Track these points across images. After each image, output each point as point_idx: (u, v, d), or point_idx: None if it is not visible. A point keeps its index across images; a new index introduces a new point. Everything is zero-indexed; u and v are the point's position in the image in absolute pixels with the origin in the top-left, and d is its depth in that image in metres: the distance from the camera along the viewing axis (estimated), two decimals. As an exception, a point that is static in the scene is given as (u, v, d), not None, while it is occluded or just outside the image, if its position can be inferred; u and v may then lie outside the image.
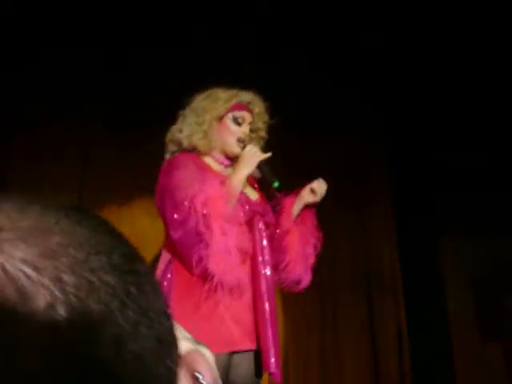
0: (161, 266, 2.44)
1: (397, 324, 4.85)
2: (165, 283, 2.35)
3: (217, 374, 0.61)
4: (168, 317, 0.47)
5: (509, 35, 4.11)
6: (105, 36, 4.18)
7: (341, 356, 4.56)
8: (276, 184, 2.39)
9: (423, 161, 4.93)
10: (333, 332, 4.61)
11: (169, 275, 2.38)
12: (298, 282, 2.57)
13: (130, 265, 0.44)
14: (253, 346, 2.39)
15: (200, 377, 0.57)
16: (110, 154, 4.34)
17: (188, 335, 0.63)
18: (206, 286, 2.26)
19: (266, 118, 2.62)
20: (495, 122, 4.80)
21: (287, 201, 2.62)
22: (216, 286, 2.23)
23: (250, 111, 2.56)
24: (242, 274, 2.32)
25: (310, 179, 2.61)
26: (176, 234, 2.26)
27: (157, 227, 4.28)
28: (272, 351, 2.30)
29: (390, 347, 4.79)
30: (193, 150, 2.51)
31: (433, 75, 4.58)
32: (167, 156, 2.56)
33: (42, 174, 4.22)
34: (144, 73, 4.28)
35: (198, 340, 0.65)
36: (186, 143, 2.49)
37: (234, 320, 2.32)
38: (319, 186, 2.54)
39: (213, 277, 2.21)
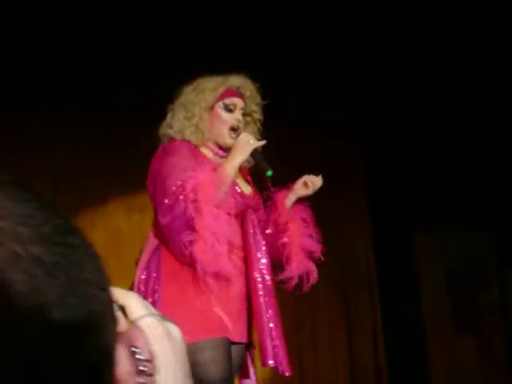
0: (147, 251, 2.40)
1: (372, 320, 4.89)
2: (153, 269, 2.32)
3: (165, 351, 0.59)
4: (105, 290, 0.48)
5: (484, 27, 4.15)
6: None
7: (318, 354, 4.59)
8: (269, 173, 2.34)
9: (397, 158, 4.98)
10: (309, 330, 4.64)
11: (156, 261, 2.34)
12: (307, 279, 2.49)
13: (62, 237, 0.45)
14: (243, 339, 2.36)
15: (137, 351, 0.56)
16: (87, 153, 4.29)
17: (154, 311, 0.63)
18: (193, 273, 2.23)
19: (258, 99, 2.55)
20: (467, 121, 4.86)
21: (280, 195, 2.56)
22: (199, 272, 2.19)
23: (241, 96, 2.49)
24: (229, 264, 2.25)
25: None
26: (164, 219, 2.22)
27: (131, 223, 4.30)
28: (269, 344, 2.27)
29: (365, 343, 4.84)
30: (188, 142, 2.46)
31: (408, 73, 4.61)
32: (164, 138, 2.52)
33: (13, 171, 4.15)
34: (106, 74, 4.23)
35: (166, 317, 0.63)
36: (178, 138, 2.44)
37: (223, 309, 2.29)
38: (314, 180, 2.49)
39: (196, 264, 2.18)
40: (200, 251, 2.14)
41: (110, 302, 0.51)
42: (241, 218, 2.43)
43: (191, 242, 2.15)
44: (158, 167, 2.34)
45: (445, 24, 4.17)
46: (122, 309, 0.60)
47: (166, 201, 2.21)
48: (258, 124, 2.59)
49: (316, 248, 2.52)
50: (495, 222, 5.19)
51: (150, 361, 0.57)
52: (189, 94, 2.47)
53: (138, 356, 0.56)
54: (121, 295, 0.61)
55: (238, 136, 2.40)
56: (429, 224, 5.04)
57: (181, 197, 2.17)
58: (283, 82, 4.29)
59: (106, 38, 4.08)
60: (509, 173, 4.89)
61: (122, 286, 0.62)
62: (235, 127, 2.44)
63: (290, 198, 2.53)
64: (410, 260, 5.13)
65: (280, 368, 2.31)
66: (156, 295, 2.28)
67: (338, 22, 4.16)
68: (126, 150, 4.33)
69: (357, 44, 4.35)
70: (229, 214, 2.28)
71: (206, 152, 2.47)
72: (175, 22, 4.05)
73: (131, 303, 0.61)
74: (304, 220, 2.56)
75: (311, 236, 2.53)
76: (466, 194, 4.85)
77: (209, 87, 2.45)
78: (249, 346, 2.43)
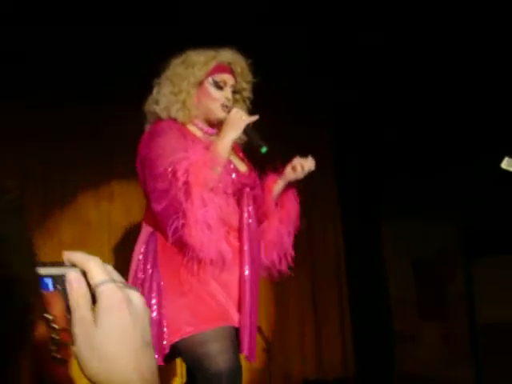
0: (141, 239, 2.30)
1: (340, 308, 4.94)
2: (149, 258, 2.23)
3: (123, 318, 0.60)
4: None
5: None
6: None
7: (286, 342, 4.62)
8: (264, 149, 2.21)
9: (364, 151, 5.01)
10: (278, 318, 4.66)
11: (153, 249, 2.25)
12: (272, 269, 2.47)
13: None
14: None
15: (49, 318, 0.58)
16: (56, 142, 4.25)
17: (116, 277, 0.63)
18: (186, 259, 2.15)
19: (249, 77, 2.41)
20: (431, 111, 4.91)
21: (269, 179, 2.46)
22: (193, 259, 2.12)
23: (232, 72, 2.35)
24: (224, 247, 2.16)
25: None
26: (158, 206, 2.12)
27: (100, 212, 4.27)
28: (247, 333, 2.19)
29: (333, 331, 4.88)
30: (174, 120, 2.32)
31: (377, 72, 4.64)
32: (147, 127, 2.38)
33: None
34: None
35: (129, 285, 0.64)
36: (164, 115, 2.30)
37: (226, 295, 2.22)
38: (303, 163, 2.38)
39: (189, 249, 2.10)
40: (190, 236, 2.07)
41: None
42: (238, 197, 2.32)
43: (180, 227, 2.07)
44: (146, 151, 2.22)
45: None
46: (84, 273, 0.61)
47: (158, 186, 2.12)
48: (248, 102, 2.47)
49: (289, 244, 2.48)
50: (462, 212, 5.27)
51: (65, 330, 0.58)
52: (177, 67, 2.33)
53: (52, 325, 0.57)
54: (82, 260, 0.62)
55: (229, 112, 2.28)
56: (395, 214, 5.09)
57: (173, 180, 2.09)
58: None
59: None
60: (475, 162, 4.97)
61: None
62: (225, 105, 2.32)
63: (278, 183, 2.44)
64: (377, 250, 5.19)
65: (248, 354, 2.24)
66: (154, 284, 2.20)
67: (309, 5, 4.10)
68: (95, 139, 4.30)
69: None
70: (226, 193, 2.19)
71: (195, 130, 2.35)
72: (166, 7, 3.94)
73: (92, 269, 0.61)
74: (288, 210, 2.48)
75: (288, 230, 2.48)
76: (432, 183, 4.90)
77: (199, 61, 2.31)
78: None
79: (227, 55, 2.35)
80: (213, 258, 2.12)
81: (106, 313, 0.59)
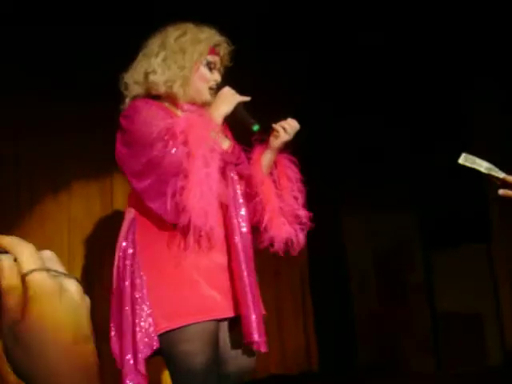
0: (124, 226, 2.12)
1: (303, 299, 4.97)
2: (129, 246, 2.06)
3: (53, 307, 0.56)
4: None
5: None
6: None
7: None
8: (256, 127, 2.12)
9: (324, 145, 5.03)
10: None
11: (131, 236, 2.08)
12: (291, 244, 2.26)
13: None
14: (232, 313, 2.11)
15: None
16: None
17: (53, 265, 0.59)
18: (177, 239, 1.99)
19: (227, 61, 2.28)
20: (388, 105, 4.97)
21: (256, 151, 2.30)
22: (187, 230, 1.93)
23: (219, 55, 2.24)
24: (218, 223, 2.01)
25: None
26: (153, 175, 1.95)
27: (58, 203, 4.20)
28: (253, 318, 2.01)
29: (295, 323, 4.91)
30: (155, 96, 2.16)
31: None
32: (126, 101, 2.18)
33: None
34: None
35: (67, 273, 0.60)
36: (162, 89, 2.13)
37: (209, 284, 2.04)
38: (284, 125, 2.21)
39: (186, 216, 1.91)
40: (190, 198, 1.90)
41: None
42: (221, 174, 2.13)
43: (180, 190, 1.91)
44: (130, 126, 2.03)
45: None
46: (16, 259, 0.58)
47: (153, 152, 1.94)
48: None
49: (300, 211, 2.28)
50: (420, 203, 5.35)
51: None
52: (180, 39, 2.15)
53: None
54: (14, 245, 0.58)
55: (214, 94, 2.16)
56: (356, 206, 5.14)
57: (170, 142, 1.93)
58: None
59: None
60: (432, 153, 5.05)
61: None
62: (212, 88, 2.20)
63: (265, 154, 2.28)
64: (339, 241, 5.23)
65: (261, 344, 2.06)
66: (137, 273, 2.03)
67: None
68: (52, 129, 4.22)
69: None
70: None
71: (173, 108, 2.18)
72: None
73: (23, 256, 0.58)
74: (286, 177, 2.30)
75: (295, 198, 2.29)
76: (392, 175, 4.96)
77: (203, 39, 2.17)
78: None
79: (217, 37, 2.22)
80: (212, 226, 1.95)
81: (32, 303, 0.56)
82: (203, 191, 1.91)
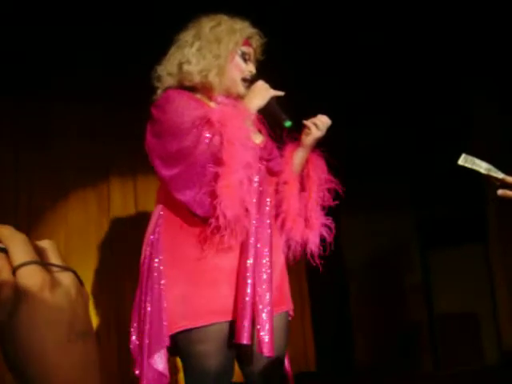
0: (151, 222, 2.07)
1: (301, 301, 4.98)
2: (156, 241, 2.01)
3: (44, 303, 0.52)
4: None
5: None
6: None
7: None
8: (288, 123, 2.06)
9: (324, 143, 5.04)
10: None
11: (158, 230, 2.03)
12: (305, 246, 2.20)
13: None
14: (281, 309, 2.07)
15: None
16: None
17: (49, 258, 0.56)
18: (201, 236, 1.92)
19: (259, 54, 2.23)
20: (385, 109, 4.98)
21: (288, 148, 2.24)
22: (215, 222, 1.85)
23: (252, 47, 2.19)
24: (245, 218, 1.92)
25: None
26: (179, 166, 1.89)
27: (89, 219, 4.22)
28: (247, 320, 1.90)
29: (293, 323, 4.91)
30: (188, 88, 2.10)
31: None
32: (158, 92, 2.13)
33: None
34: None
35: (64, 266, 0.56)
36: (197, 78, 2.07)
37: (230, 284, 1.97)
38: (316, 121, 2.16)
39: (217, 205, 1.83)
40: (224, 187, 1.83)
41: None
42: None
43: (216, 177, 1.83)
44: (162, 117, 1.98)
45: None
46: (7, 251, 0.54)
47: (186, 142, 1.88)
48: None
49: (319, 214, 2.21)
50: (418, 204, 5.37)
51: None
52: (215, 29, 2.11)
53: None
54: (6, 236, 0.55)
55: (248, 87, 2.11)
56: (353, 206, 5.15)
57: (204, 131, 1.87)
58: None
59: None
60: (431, 154, 5.07)
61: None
62: (246, 80, 2.14)
63: (297, 151, 2.23)
64: (336, 241, 5.23)
65: (259, 345, 1.94)
66: (159, 269, 1.98)
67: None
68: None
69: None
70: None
71: (205, 100, 2.12)
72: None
73: (15, 248, 0.54)
74: (316, 177, 2.24)
75: (320, 199, 2.22)
76: (389, 176, 4.98)
77: (237, 29, 2.13)
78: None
79: (250, 29, 2.18)
80: (240, 215, 1.87)
81: (22, 298, 0.52)
82: (241, 179, 1.85)
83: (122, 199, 4.31)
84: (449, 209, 5.21)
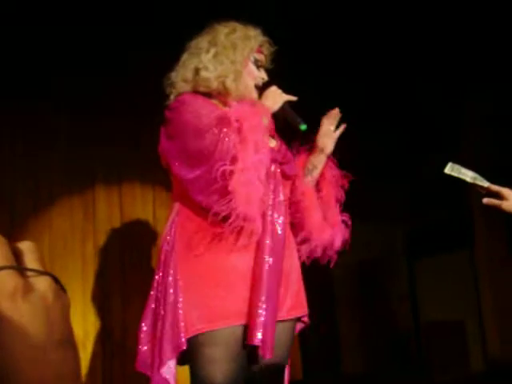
0: (168, 222, 2.04)
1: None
2: (171, 241, 1.98)
3: (16, 310, 0.48)
4: None
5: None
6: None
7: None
8: (303, 127, 2.04)
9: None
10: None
11: (173, 230, 1.99)
12: (331, 246, 2.19)
13: None
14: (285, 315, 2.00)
15: None
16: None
17: (25, 261, 0.53)
18: (217, 237, 1.88)
19: (268, 63, 2.23)
20: (372, 119, 5.01)
21: (300, 157, 2.24)
22: (230, 220, 1.82)
23: (264, 55, 2.20)
24: (260, 218, 1.89)
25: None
26: (200, 168, 1.86)
27: (74, 226, 4.19)
28: (260, 322, 1.87)
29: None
30: (205, 94, 2.09)
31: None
32: (171, 97, 2.11)
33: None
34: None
35: (41, 271, 0.53)
36: (214, 84, 2.06)
37: (245, 286, 1.93)
38: (330, 116, 2.18)
39: (229, 201, 1.81)
40: (235, 184, 1.81)
41: None
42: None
43: (230, 174, 1.81)
44: (178, 117, 1.96)
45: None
46: None
47: (204, 141, 1.85)
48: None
49: (337, 212, 2.22)
50: (405, 215, 5.40)
51: None
52: (230, 35, 2.12)
53: None
54: None
55: (260, 95, 2.12)
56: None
57: (223, 131, 1.85)
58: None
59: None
60: (418, 165, 5.11)
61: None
62: (258, 87, 2.14)
63: (310, 161, 2.23)
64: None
65: (265, 350, 1.90)
66: (172, 272, 1.95)
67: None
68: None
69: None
70: None
71: (220, 105, 2.10)
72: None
73: None
74: (329, 181, 2.26)
75: (335, 201, 2.24)
76: (375, 187, 5.00)
77: (252, 36, 2.14)
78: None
79: (261, 37, 2.18)
80: (254, 216, 1.84)
81: None
82: (251, 177, 1.83)
83: (107, 206, 4.28)
84: (435, 217, 5.25)
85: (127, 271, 4.21)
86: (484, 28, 4.28)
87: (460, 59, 4.62)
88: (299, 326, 2.22)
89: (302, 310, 2.12)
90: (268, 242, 1.95)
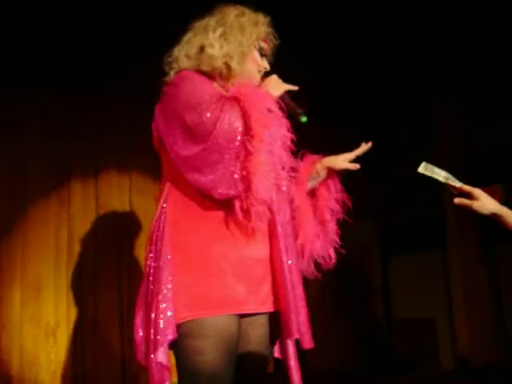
0: (157, 210, 1.96)
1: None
2: (161, 224, 1.91)
3: None
4: None
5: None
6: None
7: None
8: (304, 118, 1.97)
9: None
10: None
11: (163, 218, 1.91)
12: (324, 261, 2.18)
13: None
14: (262, 309, 1.93)
15: None
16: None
17: None
18: (211, 222, 1.84)
19: (270, 56, 2.18)
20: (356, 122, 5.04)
21: (304, 164, 2.18)
22: (239, 204, 1.77)
23: (269, 44, 2.14)
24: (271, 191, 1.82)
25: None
26: (198, 145, 1.77)
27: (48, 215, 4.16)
28: (293, 315, 1.85)
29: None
30: (208, 74, 2.02)
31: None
32: (171, 73, 2.04)
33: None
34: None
35: None
36: (218, 62, 2.00)
37: (238, 275, 1.87)
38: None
39: (247, 184, 1.74)
40: (257, 163, 1.73)
41: None
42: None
43: (247, 154, 1.73)
44: (175, 93, 1.88)
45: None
46: None
47: (207, 116, 1.76)
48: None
49: (334, 230, 2.21)
50: (379, 211, 5.44)
51: None
52: (239, 18, 2.07)
53: None
54: None
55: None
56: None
57: (226, 104, 1.77)
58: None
59: None
60: (392, 163, 5.14)
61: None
62: (260, 75, 2.10)
63: (316, 168, 2.18)
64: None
65: (305, 341, 1.91)
66: (165, 255, 1.89)
67: None
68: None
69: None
70: None
71: (221, 89, 2.04)
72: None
73: None
74: (327, 188, 2.22)
75: (331, 210, 2.21)
76: (350, 184, 5.03)
77: (261, 22, 2.08)
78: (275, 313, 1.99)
79: (268, 28, 2.12)
80: (266, 199, 1.77)
81: None
82: (267, 157, 1.75)
83: (82, 193, 4.26)
84: (409, 216, 5.29)
85: (100, 259, 4.19)
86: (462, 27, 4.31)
87: (428, 57, 4.65)
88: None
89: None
90: (278, 231, 1.92)
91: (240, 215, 1.79)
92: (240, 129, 1.75)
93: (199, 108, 1.78)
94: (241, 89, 1.84)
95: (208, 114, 1.76)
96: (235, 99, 1.80)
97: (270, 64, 2.17)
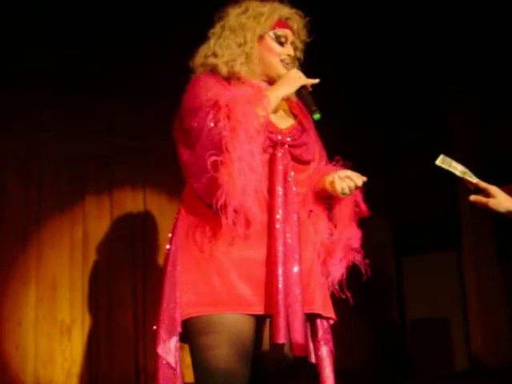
0: (178, 211, 2.02)
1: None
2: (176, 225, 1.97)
3: None
4: None
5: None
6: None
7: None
8: (317, 115, 1.94)
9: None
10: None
11: (178, 216, 1.98)
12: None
13: None
14: (263, 311, 1.89)
15: None
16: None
17: None
18: (212, 223, 1.84)
19: (304, 35, 2.16)
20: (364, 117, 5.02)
21: (314, 175, 2.11)
22: (222, 212, 1.76)
23: (291, 28, 2.12)
24: (258, 209, 1.81)
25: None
26: (190, 148, 1.83)
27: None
28: (281, 318, 1.80)
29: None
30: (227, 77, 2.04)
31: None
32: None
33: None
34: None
35: None
36: (224, 70, 2.02)
37: (240, 276, 1.86)
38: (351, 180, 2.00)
39: (219, 194, 1.74)
40: (225, 175, 1.73)
41: None
42: (269, 157, 1.95)
43: (215, 165, 1.74)
44: (183, 97, 1.94)
45: None
46: None
47: (194, 123, 1.81)
48: (297, 63, 2.19)
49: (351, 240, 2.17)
50: (394, 210, 5.42)
51: None
52: (239, 16, 2.08)
53: None
54: None
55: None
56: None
57: (210, 114, 1.79)
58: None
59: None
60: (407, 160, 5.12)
61: None
62: (286, 62, 2.08)
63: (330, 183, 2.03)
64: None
65: (297, 346, 1.87)
66: (176, 254, 1.93)
67: None
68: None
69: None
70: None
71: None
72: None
73: None
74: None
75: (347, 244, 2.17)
76: (367, 183, 5.02)
77: (264, 12, 2.07)
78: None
79: (286, 10, 2.11)
80: (242, 208, 1.76)
81: None
82: (242, 168, 1.74)
83: (96, 194, 4.27)
84: (424, 216, 5.26)
85: (115, 258, 4.20)
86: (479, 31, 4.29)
87: (441, 57, 4.62)
88: None
89: (313, 308, 2.05)
90: (279, 227, 1.87)
91: (224, 222, 1.78)
92: (218, 143, 1.76)
93: (191, 113, 1.85)
94: (231, 97, 1.84)
95: (195, 123, 1.81)
96: (221, 109, 1.79)
97: (306, 44, 2.16)
